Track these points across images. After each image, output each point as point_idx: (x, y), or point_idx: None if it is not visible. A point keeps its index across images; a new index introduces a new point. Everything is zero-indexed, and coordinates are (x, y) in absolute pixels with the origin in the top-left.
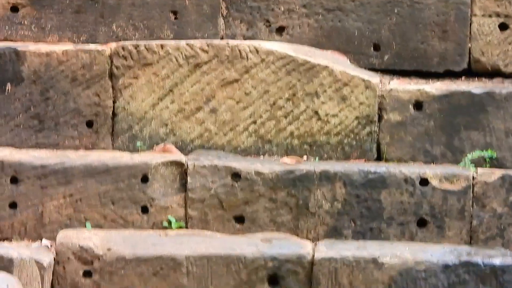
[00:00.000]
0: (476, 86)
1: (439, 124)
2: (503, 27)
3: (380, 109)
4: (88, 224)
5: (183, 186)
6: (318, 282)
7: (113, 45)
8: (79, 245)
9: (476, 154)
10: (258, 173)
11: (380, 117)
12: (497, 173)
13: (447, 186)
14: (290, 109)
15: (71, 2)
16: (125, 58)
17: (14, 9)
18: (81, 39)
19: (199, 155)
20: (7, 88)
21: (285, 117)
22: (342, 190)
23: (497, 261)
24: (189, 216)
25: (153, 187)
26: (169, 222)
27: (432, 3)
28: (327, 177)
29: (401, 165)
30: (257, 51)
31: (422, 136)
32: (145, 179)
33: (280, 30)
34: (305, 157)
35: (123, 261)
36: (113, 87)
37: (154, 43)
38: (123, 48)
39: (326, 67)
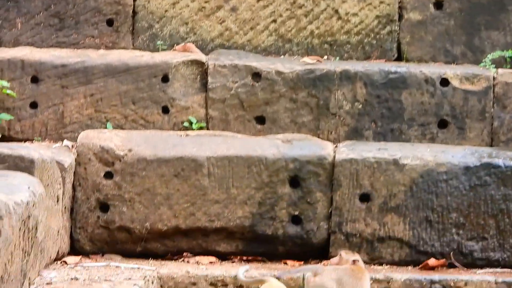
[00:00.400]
0: None
1: (459, 23)
2: None
3: (400, 8)
4: (109, 124)
5: (204, 86)
6: (339, 184)
7: None
8: (100, 145)
9: (497, 54)
10: (278, 73)
11: (400, 16)
12: None
13: (467, 86)
14: (310, 8)
15: None
16: None
17: None
18: None
19: (219, 55)
20: None
21: (306, 15)
22: (362, 90)
23: None
24: (209, 116)
25: (174, 86)
26: (190, 123)
27: None
28: (347, 77)
29: (422, 65)
30: None
31: (442, 35)
32: (165, 78)
33: None
34: (325, 57)
35: (144, 162)
36: None
37: None
38: None
39: None
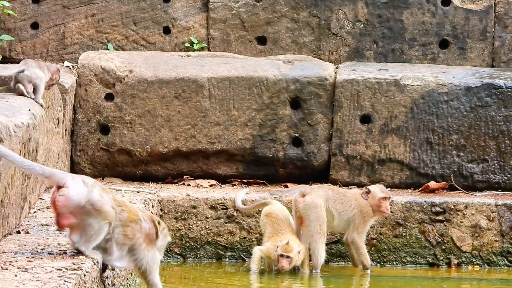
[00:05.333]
0: None
1: None
2: None
3: None
4: (110, 45)
5: (205, 6)
6: (340, 105)
7: None
8: (101, 66)
9: None
10: None
11: None
12: None
13: (469, 5)
14: None
15: None
16: None
17: None
18: None
19: None
20: None
21: None
22: (364, 9)
23: None
24: (211, 36)
25: (175, 6)
26: (191, 43)
27: None
28: None
29: None
30: None
31: None
32: None
33: None
34: None
35: (145, 83)
36: None
37: None
38: None
39: None
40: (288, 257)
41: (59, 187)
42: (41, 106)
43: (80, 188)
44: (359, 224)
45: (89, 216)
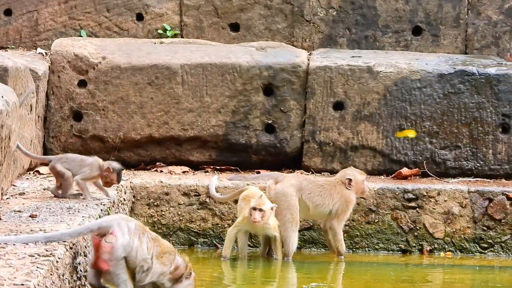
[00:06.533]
0: None
1: None
2: None
3: None
4: (83, 32)
5: None
6: (313, 92)
7: None
8: (74, 53)
9: None
10: None
11: None
12: None
13: None
14: None
15: None
16: None
17: None
18: None
19: None
20: None
21: None
22: None
23: (492, 70)
24: (184, 23)
25: None
26: (164, 30)
27: None
28: None
29: None
30: None
31: None
32: None
33: None
34: None
35: (118, 70)
36: None
37: None
38: None
39: None
40: (261, 210)
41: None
42: None
43: (126, 239)
44: (342, 213)
45: (120, 269)
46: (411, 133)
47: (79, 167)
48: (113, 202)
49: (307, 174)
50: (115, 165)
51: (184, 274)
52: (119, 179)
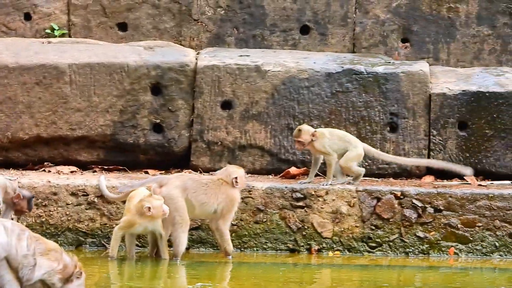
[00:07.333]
0: None
1: None
2: None
3: None
4: None
5: None
6: (201, 91)
7: None
8: None
9: None
10: None
11: None
12: None
13: None
14: None
15: None
16: None
17: None
18: None
19: None
20: None
21: None
22: None
23: (380, 69)
24: (72, 23)
25: None
26: (52, 29)
27: None
28: None
29: None
30: None
31: None
32: None
33: None
34: None
35: (6, 70)
36: None
37: None
38: None
39: None
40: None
41: None
42: None
43: (3, 239)
44: (227, 212)
45: (3, 270)
46: None
47: None
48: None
49: (195, 174)
50: (26, 192)
51: (74, 273)
52: (29, 207)
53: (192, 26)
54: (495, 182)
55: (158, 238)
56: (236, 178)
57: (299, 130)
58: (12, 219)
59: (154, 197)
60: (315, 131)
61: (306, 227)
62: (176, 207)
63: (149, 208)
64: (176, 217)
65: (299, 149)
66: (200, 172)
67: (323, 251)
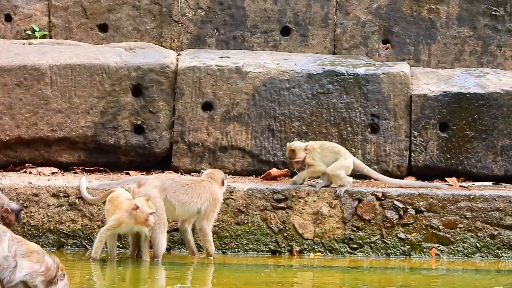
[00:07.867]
0: None
1: None
2: None
3: None
4: None
5: None
6: (181, 93)
7: None
8: None
9: None
10: None
11: None
12: None
13: None
14: None
15: None
16: None
17: None
18: None
19: None
20: None
21: None
22: None
23: (361, 70)
24: (52, 24)
25: None
26: (33, 31)
27: None
28: None
29: None
30: None
31: None
32: None
33: None
34: None
35: None
36: None
37: None
38: None
39: None
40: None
41: None
42: None
43: None
44: (211, 212)
45: None
46: None
47: None
48: None
49: (175, 174)
50: (14, 205)
51: (58, 276)
52: (18, 220)
53: (173, 27)
54: (476, 183)
55: (142, 239)
56: (224, 178)
57: (292, 151)
58: None
59: (149, 204)
60: (307, 145)
61: (287, 228)
62: (155, 207)
63: (137, 206)
64: (154, 217)
65: (297, 167)
66: (181, 173)
67: (305, 252)
